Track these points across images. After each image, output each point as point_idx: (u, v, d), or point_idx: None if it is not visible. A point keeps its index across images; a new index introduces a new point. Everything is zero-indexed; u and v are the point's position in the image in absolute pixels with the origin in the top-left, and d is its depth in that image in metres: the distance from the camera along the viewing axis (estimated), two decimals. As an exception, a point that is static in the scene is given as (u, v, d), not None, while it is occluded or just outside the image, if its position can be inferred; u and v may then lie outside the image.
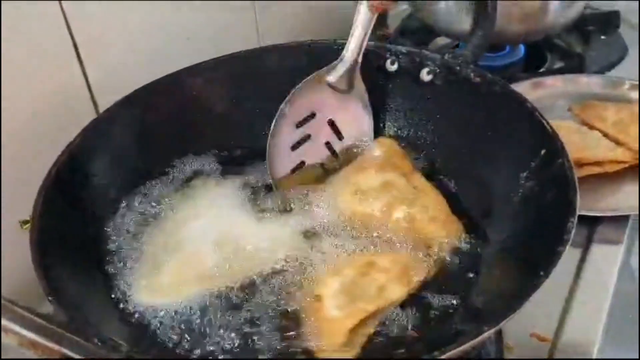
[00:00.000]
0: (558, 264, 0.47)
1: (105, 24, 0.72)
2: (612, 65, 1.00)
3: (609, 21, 1.07)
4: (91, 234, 0.59)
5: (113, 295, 0.55)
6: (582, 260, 0.69)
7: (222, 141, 0.72)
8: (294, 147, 0.69)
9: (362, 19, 0.66)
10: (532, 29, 0.96)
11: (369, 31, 0.67)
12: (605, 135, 0.80)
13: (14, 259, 0.60)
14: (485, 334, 0.41)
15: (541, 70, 1.02)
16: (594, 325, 0.63)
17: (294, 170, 0.69)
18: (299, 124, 0.69)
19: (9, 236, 0.65)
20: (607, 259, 0.69)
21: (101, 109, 0.71)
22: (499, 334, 0.61)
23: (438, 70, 0.68)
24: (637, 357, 0.76)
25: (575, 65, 1.00)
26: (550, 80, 0.92)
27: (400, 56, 0.70)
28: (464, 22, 0.86)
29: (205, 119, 0.72)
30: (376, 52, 0.71)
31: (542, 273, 0.45)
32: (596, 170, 0.76)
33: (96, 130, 0.64)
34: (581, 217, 0.70)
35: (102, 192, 0.63)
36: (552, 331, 0.63)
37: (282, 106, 0.67)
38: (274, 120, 0.67)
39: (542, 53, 1.05)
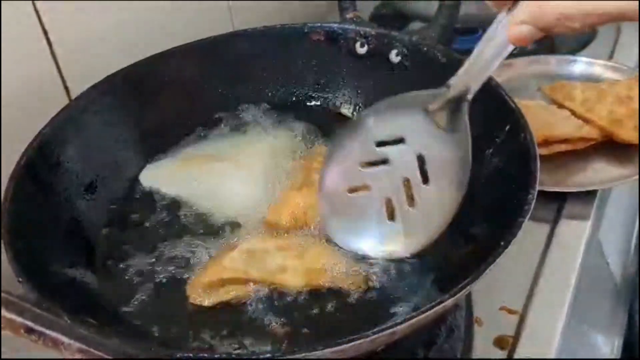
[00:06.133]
0: (523, 236, 0.48)
1: (75, 9, 0.72)
2: (581, 47, 1.02)
3: (580, 3, 1.08)
4: (64, 218, 0.60)
5: (85, 277, 0.56)
6: (551, 235, 0.71)
7: (195, 126, 0.73)
8: (364, 166, 0.56)
9: (495, 45, 0.49)
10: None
11: (497, 64, 0.50)
12: (574, 113, 0.81)
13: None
14: (445, 303, 0.42)
15: (514, 52, 1.03)
16: (561, 299, 0.64)
17: (351, 191, 0.57)
18: (380, 144, 0.56)
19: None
20: (574, 234, 0.71)
21: (73, 96, 0.71)
22: (469, 307, 0.62)
23: (406, 52, 0.70)
24: (602, 330, 0.78)
25: (547, 46, 1.02)
26: (521, 62, 0.93)
27: (369, 38, 0.71)
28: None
29: (177, 104, 0.72)
30: (346, 35, 0.72)
31: (502, 243, 0.46)
32: (564, 147, 0.77)
33: (68, 117, 0.64)
34: (550, 194, 0.72)
35: (75, 178, 0.63)
36: (521, 305, 0.64)
37: (365, 112, 0.57)
38: (349, 123, 0.58)
39: (514, 36, 1.06)
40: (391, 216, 0.56)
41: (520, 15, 0.46)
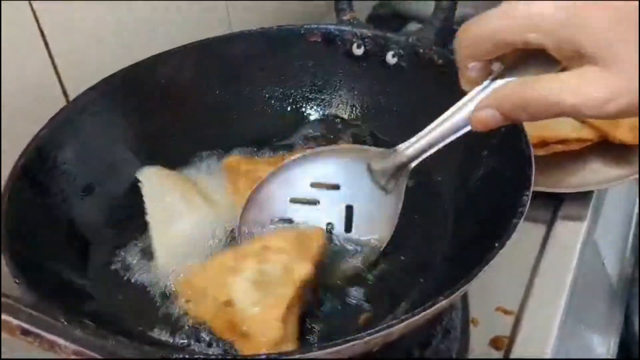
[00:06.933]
0: (519, 237, 0.48)
1: (72, 11, 0.73)
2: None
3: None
4: (61, 220, 0.60)
5: (82, 279, 0.56)
6: (547, 236, 0.71)
7: (192, 127, 0.73)
8: (294, 201, 0.58)
9: (455, 122, 0.50)
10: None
11: (449, 141, 0.51)
12: (570, 114, 0.81)
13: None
14: (440, 304, 0.42)
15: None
16: (557, 299, 0.65)
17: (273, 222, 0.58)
18: (315, 185, 0.58)
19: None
20: (571, 235, 0.71)
21: (71, 98, 0.72)
22: (465, 308, 0.63)
23: (403, 53, 0.70)
24: (597, 330, 0.79)
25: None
26: (517, 63, 0.94)
27: (365, 40, 0.71)
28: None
29: (175, 106, 0.72)
30: (342, 36, 0.72)
31: (496, 244, 0.46)
32: (561, 148, 0.77)
33: (65, 119, 0.64)
34: (546, 194, 0.72)
35: (73, 180, 0.63)
36: (517, 305, 0.65)
37: (311, 152, 0.58)
38: (293, 159, 0.58)
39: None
40: None
41: (487, 98, 0.46)
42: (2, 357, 0.55)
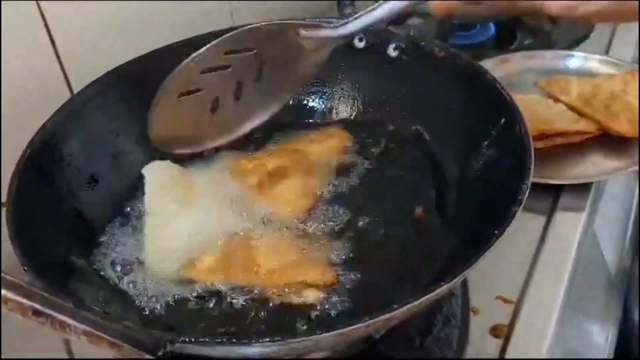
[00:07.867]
0: (519, 227, 0.48)
1: (77, 6, 0.73)
2: (578, 42, 1.03)
3: None
4: (67, 210, 0.61)
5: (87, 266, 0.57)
6: (546, 226, 0.72)
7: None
8: (205, 71, 0.58)
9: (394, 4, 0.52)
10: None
11: (386, 20, 0.54)
12: (570, 107, 0.82)
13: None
14: (440, 289, 0.43)
15: (511, 47, 1.04)
16: (556, 289, 0.65)
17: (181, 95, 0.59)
18: (229, 52, 0.58)
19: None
20: (570, 226, 0.72)
21: (75, 91, 0.72)
22: (465, 296, 0.63)
23: (404, 46, 0.70)
24: (596, 320, 0.79)
25: (544, 42, 1.03)
26: (517, 57, 0.95)
27: (367, 33, 0.72)
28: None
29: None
30: (344, 30, 0.73)
31: (496, 232, 0.47)
32: (560, 140, 0.78)
33: (69, 112, 0.65)
34: (546, 186, 0.73)
35: (77, 172, 0.64)
36: (517, 294, 0.65)
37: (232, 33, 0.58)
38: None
39: (512, 31, 1.07)
40: (213, 110, 0.58)
41: None
42: (2, 357, 0.56)
